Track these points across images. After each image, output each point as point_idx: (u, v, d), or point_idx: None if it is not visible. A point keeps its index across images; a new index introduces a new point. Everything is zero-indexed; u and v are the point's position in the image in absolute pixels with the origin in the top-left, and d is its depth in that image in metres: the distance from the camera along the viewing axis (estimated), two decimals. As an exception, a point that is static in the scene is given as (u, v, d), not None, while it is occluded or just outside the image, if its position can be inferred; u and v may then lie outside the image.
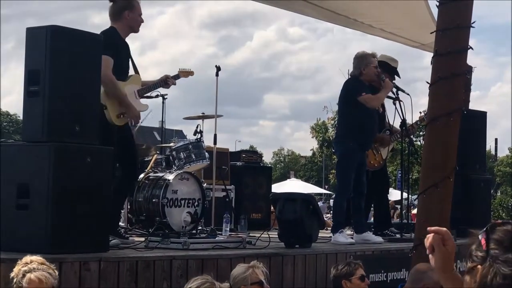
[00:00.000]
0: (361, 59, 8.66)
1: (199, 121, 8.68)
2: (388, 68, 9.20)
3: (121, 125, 7.04)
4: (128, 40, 7.32)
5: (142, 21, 7.31)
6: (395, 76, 9.34)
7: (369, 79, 8.61)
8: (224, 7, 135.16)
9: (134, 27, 7.26)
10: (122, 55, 7.14)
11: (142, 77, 7.50)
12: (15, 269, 3.88)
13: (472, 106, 11.89)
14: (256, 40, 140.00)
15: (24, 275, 3.82)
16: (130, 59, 7.35)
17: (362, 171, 8.60)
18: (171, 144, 8.42)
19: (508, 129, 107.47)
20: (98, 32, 6.31)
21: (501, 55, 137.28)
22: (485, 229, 2.24)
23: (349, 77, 8.95)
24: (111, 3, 7.23)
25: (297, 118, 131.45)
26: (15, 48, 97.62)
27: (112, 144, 6.64)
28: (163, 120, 9.74)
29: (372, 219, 10.01)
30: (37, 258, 3.99)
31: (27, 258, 3.98)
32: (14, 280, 3.85)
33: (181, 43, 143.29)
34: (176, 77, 7.86)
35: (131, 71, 7.34)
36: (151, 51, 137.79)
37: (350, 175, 8.44)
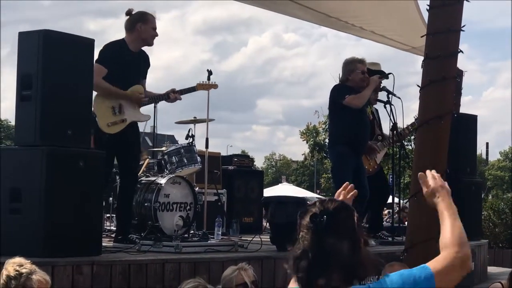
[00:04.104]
0: (348, 65, 8.73)
1: (191, 126, 8.69)
2: (372, 73, 9.23)
3: (114, 133, 7.13)
4: None
5: (156, 35, 7.48)
6: (383, 77, 9.36)
7: (356, 85, 8.63)
8: (219, 13, 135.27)
9: (147, 39, 7.43)
10: (124, 66, 7.24)
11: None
12: (9, 271, 3.85)
13: (464, 110, 11.94)
14: (250, 46, 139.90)
15: (28, 277, 3.81)
16: (138, 70, 7.47)
17: (362, 175, 8.60)
18: (163, 148, 8.42)
19: (499, 133, 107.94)
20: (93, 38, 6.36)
21: (494, 60, 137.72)
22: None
23: (338, 82, 8.98)
24: (127, 16, 7.41)
25: (291, 123, 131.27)
26: (10, 54, 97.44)
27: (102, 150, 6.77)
28: (155, 125, 9.73)
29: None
30: (24, 260, 3.97)
31: (16, 260, 3.95)
32: (13, 282, 3.82)
33: (175, 49, 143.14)
34: (192, 89, 7.89)
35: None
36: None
37: (347, 179, 8.42)
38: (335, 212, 2.43)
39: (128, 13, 7.42)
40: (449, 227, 2.62)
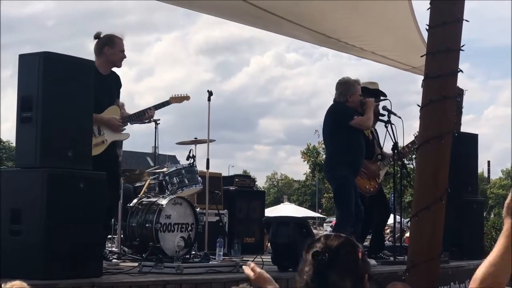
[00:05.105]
0: (348, 86, 8.67)
1: (192, 146, 8.70)
2: (369, 92, 9.22)
3: (95, 155, 7.15)
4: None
5: (124, 57, 7.70)
6: (381, 96, 9.36)
7: (354, 106, 8.62)
8: (221, 33, 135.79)
9: (115, 62, 7.64)
10: (97, 90, 7.26)
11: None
12: None
13: (465, 129, 11.96)
14: (252, 65, 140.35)
15: None
16: (111, 92, 7.58)
17: (357, 195, 8.60)
18: (164, 169, 8.42)
19: (501, 151, 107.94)
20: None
21: (494, 79, 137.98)
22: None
23: (334, 103, 8.87)
24: (96, 39, 7.59)
25: (292, 142, 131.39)
26: (12, 75, 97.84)
27: None
28: (156, 145, 9.74)
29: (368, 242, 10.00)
30: (23, 283, 3.94)
31: (16, 283, 3.92)
32: None
33: (178, 69, 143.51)
34: (166, 103, 8.01)
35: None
36: (148, 77, 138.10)
37: (352, 202, 8.41)
38: (337, 249, 2.40)
39: (97, 36, 7.60)
40: None
